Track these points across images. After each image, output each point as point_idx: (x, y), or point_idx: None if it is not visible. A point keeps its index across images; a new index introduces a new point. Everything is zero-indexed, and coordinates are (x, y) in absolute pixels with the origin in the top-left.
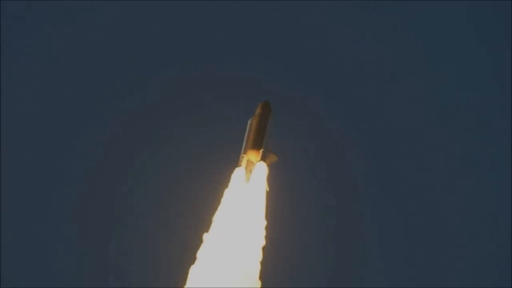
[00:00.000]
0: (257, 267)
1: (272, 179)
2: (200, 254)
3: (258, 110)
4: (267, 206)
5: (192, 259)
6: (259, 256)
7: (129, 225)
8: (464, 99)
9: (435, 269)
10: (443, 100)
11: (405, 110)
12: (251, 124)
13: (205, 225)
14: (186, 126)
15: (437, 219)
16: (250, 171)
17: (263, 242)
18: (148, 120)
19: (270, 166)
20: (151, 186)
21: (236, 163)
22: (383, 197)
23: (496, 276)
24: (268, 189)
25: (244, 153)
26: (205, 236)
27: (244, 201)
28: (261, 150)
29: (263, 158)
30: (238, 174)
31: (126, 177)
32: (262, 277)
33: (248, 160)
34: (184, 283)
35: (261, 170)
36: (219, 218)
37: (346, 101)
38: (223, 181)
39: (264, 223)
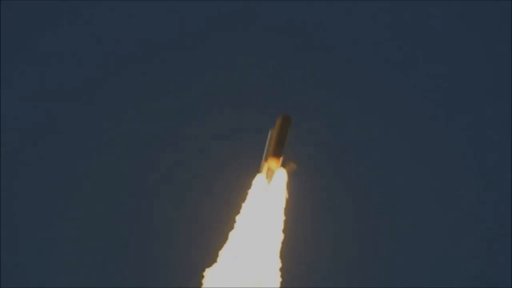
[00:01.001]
0: (276, 270)
1: (292, 187)
2: (221, 255)
3: (278, 121)
4: (286, 211)
5: (213, 261)
6: (277, 260)
7: (146, 227)
8: (464, 99)
9: (436, 269)
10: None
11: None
12: (272, 134)
13: (228, 227)
14: (211, 139)
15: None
16: (271, 178)
17: (279, 247)
18: (171, 126)
19: (290, 174)
20: (176, 189)
21: (257, 170)
22: (401, 207)
23: (496, 276)
24: (287, 196)
25: (265, 160)
26: (229, 239)
27: (264, 206)
28: (281, 158)
29: (283, 165)
30: (259, 180)
31: (146, 180)
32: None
33: (268, 168)
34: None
35: (281, 176)
36: (240, 221)
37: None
38: (245, 187)
39: (281, 227)
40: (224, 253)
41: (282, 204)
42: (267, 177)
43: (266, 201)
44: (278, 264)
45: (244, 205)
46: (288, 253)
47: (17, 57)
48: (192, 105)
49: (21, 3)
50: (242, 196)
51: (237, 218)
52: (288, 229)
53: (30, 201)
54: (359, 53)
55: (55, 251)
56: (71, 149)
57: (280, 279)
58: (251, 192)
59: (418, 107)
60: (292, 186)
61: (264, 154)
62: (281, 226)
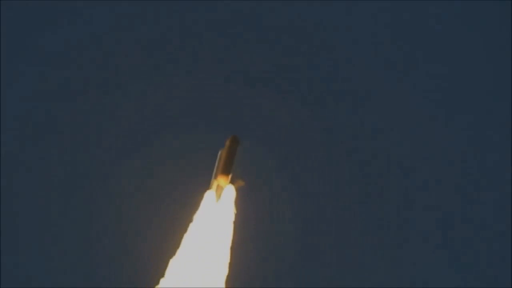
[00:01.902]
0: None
1: (240, 202)
2: (171, 266)
3: (227, 143)
4: (234, 224)
5: (163, 271)
6: (225, 271)
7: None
8: (464, 99)
9: (435, 269)
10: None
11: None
12: (221, 154)
13: (179, 238)
14: (164, 157)
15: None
16: (220, 194)
17: (228, 259)
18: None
19: (238, 190)
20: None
21: (207, 187)
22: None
23: (496, 276)
24: (235, 211)
25: (215, 178)
26: (179, 250)
27: (214, 219)
28: (230, 175)
29: (232, 182)
30: (208, 196)
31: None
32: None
33: (218, 185)
34: None
35: (230, 192)
36: (190, 235)
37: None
38: (195, 202)
39: (230, 242)
40: (173, 264)
41: (231, 218)
42: (216, 193)
43: (215, 214)
44: (226, 273)
45: (194, 217)
46: (236, 263)
47: (17, 57)
48: (148, 124)
49: (21, 3)
50: (193, 210)
51: (188, 229)
52: (236, 242)
53: (30, 202)
54: (359, 53)
55: (55, 251)
56: (71, 149)
57: None
58: (201, 206)
59: (417, 107)
60: (240, 201)
61: (214, 173)
62: (229, 238)
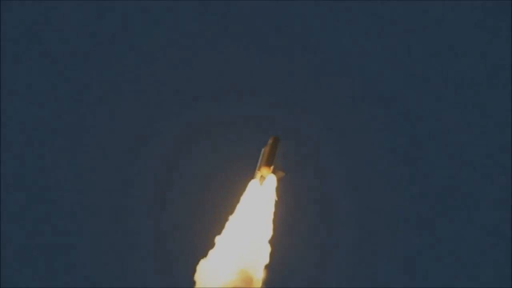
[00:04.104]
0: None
1: (280, 191)
2: (218, 240)
3: (269, 141)
4: (275, 209)
5: (211, 246)
6: (267, 250)
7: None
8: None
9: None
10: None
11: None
12: (264, 150)
13: (224, 223)
14: (216, 153)
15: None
16: (263, 184)
17: (269, 237)
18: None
19: (279, 180)
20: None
21: (252, 177)
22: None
23: (496, 276)
24: (276, 199)
25: (259, 169)
26: (224, 231)
27: (257, 203)
28: (272, 167)
29: (274, 172)
30: (253, 184)
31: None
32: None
33: (261, 176)
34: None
35: (271, 180)
36: (236, 216)
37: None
38: (242, 189)
39: (271, 221)
40: (223, 236)
41: (272, 198)
42: (260, 182)
43: (258, 195)
44: (268, 249)
45: (241, 199)
46: (276, 243)
47: (18, 57)
48: (205, 126)
49: (22, 3)
50: (240, 195)
51: (235, 211)
52: (277, 223)
53: (29, 201)
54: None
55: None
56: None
57: (268, 261)
58: (247, 192)
59: (417, 108)
60: (281, 190)
61: (258, 166)
62: (270, 218)
